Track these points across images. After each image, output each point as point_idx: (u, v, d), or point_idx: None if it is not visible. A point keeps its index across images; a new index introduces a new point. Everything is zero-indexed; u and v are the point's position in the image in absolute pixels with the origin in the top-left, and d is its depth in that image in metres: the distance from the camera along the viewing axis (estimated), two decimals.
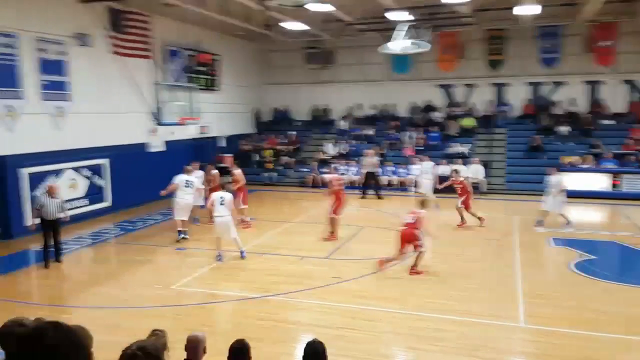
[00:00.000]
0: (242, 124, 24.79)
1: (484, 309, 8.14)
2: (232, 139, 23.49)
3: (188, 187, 12.81)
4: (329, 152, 22.73)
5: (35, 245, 11.56)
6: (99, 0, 15.00)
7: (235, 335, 4.80)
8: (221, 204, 10.83)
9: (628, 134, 20.18)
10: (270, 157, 22.99)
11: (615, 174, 18.37)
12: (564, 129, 21.03)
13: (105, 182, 16.02)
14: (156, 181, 13.79)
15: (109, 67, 15.88)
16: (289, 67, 25.89)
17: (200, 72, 20.57)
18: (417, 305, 8.32)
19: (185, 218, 12.85)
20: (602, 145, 19.73)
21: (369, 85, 24.69)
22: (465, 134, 22.27)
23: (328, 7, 16.60)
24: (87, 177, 15.41)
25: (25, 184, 13.33)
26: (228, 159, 22.13)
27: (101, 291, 9.40)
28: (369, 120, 24.43)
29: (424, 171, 17.34)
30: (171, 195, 12.94)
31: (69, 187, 14.54)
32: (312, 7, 15.68)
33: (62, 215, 10.85)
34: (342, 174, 20.84)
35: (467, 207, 14.00)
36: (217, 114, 21.74)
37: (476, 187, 19.58)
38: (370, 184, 19.18)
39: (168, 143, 18.44)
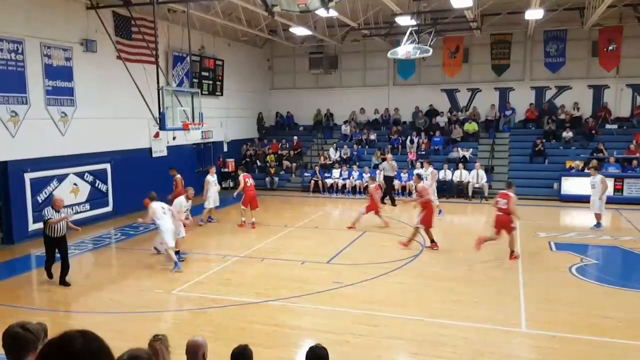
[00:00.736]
0: (246, 129, 24.83)
1: (486, 314, 8.11)
2: (235, 144, 23.53)
3: (165, 214, 11.00)
4: (332, 156, 22.71)
5: (36, 251, 11.58)
6: (106, 7, 15.09)
7: (236, 340, 4.80)
8: (164, 214, 10.77)
9: (632, 138, 20.13)
10: (273, 162, 23.00)
11: (617, 178, 18.31)
12: (567, 134, 20.99)
13: (107, 187, 16.06)
14: (158, 186, 13.78)
15: (113, 72, 15.93)
16: (293, 72, 26.00)
17: (204, 77, 20.63)
18: (419, 311, 8.29)
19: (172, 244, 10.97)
20: (605, 150, 19.67)
21: (372, 90, 24.73)
22: (469, 138, 22.27)
23: (333, 12, 16.61)
24: (89, 182, 15.45)
25: (27, 189, 13.36)
26: (230, 164, 22.24)
27: (103, 296, 9.43)
28: (372, 125, 24.44)
29: (426, 176, 17.25)
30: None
31: (70, 192, 14.58)
32: (320, 12, 15.67)
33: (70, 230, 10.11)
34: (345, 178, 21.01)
35: (428, 226, 12.09)
36: (220, 119, 21.80)
37: (479, 192, 19.64)
38: (389, 191, 18.55)
39: (170, 148, 18.48)
